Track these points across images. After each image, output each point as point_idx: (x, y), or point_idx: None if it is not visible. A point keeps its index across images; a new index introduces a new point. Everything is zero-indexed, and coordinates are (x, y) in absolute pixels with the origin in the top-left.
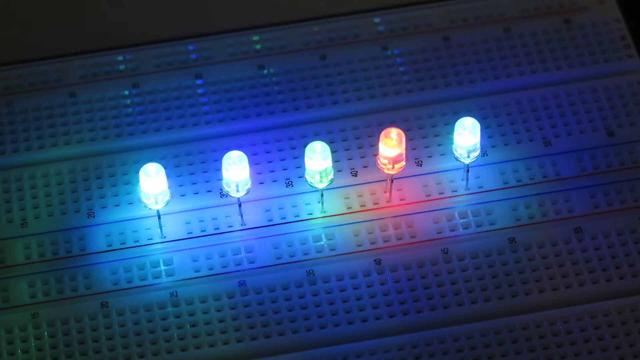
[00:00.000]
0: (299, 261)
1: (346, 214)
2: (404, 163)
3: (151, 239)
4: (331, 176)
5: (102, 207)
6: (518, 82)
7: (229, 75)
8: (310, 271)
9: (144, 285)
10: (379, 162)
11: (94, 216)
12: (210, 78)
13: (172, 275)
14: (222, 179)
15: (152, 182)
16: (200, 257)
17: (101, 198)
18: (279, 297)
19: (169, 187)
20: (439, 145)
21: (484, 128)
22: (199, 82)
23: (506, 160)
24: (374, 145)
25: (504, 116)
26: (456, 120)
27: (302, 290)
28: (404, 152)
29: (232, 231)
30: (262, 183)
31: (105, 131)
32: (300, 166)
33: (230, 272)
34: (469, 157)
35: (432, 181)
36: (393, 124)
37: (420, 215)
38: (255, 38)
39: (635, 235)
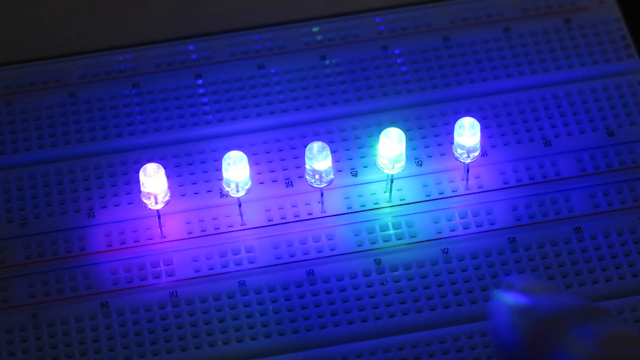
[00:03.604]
0: (299, 261)
1: (346, 214)
2: (404, 163)
3: (151, 238)
4: (331, 176)
5: (102, 207)
6: (518, 82)
7: (229, 75)
8: (310, 271)
9: (144, 285)
10: (379, 162)
11: (94, 216)
12: (210, 78)
13: (172, 275)
14: (222, 179)
15: (152, 182)
16: (200, 257)
17: (101, 198)
18: (279, 297)
19: (169, 187)
20: (439, 145)
21: (484, 128)
22: (199, 82)
23: (506, 160)
24: (374, 145)
25: (504, 116)
26: (456, 120)
27: (302, 290)
28: (403, 152)
29: (232, 231)
30: (262, 183)
31: (105, 131)
32: (300, 166)
33: (230, 272)
34: (469, 157)
35: (432, 181)
36: (393, 124)
37: (420, 215)
38: (256, 38)
39: (635, 235)
